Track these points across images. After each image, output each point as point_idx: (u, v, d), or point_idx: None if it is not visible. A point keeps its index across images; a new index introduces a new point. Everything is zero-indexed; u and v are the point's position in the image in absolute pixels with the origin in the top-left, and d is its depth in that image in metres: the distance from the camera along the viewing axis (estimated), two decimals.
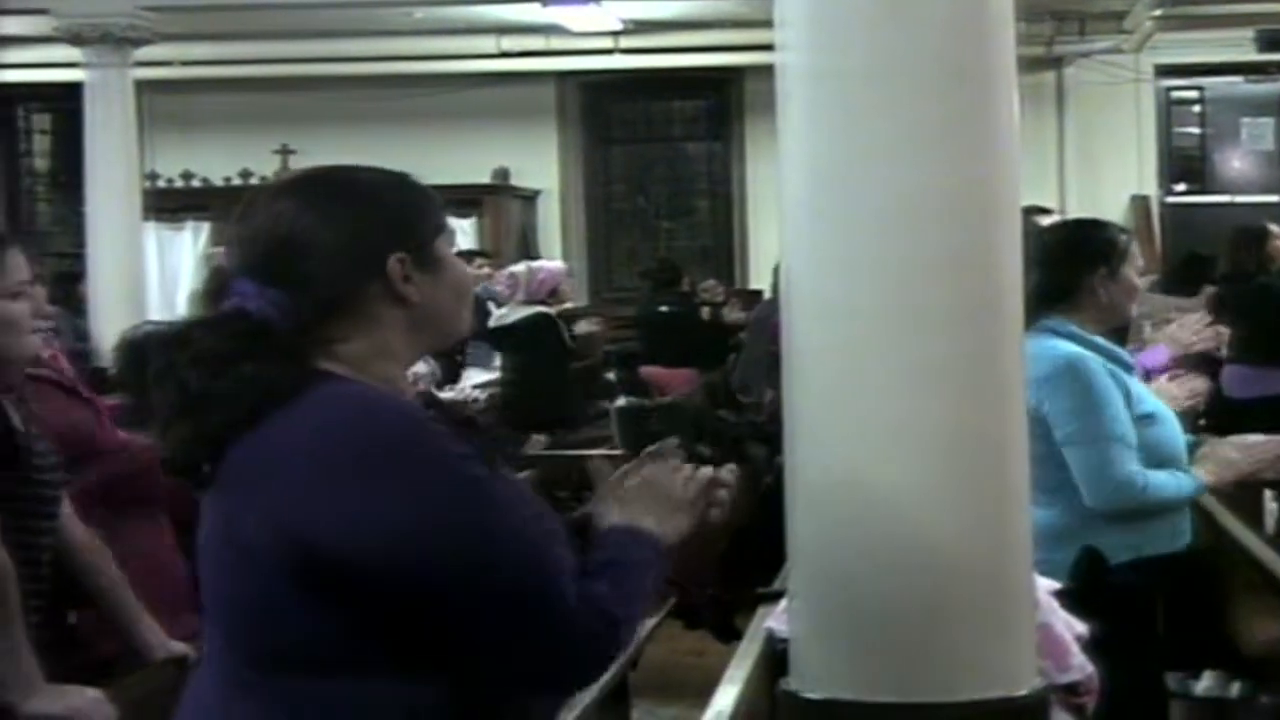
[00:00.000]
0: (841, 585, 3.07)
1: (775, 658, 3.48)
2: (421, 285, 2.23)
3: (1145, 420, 4.36)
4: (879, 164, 3.08)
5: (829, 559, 3.10)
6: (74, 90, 14.15)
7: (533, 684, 2.15)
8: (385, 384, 2.20)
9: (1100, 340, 4.42)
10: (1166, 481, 4.33)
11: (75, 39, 13.39)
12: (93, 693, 3.26)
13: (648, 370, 12.77)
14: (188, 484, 2.20)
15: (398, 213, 2.26)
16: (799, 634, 3.19)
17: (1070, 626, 3.55)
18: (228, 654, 2.17)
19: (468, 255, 12.28)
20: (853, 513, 3.06)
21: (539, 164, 17.35)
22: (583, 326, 9.93)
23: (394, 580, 2.05)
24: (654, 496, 2.36)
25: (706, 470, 2.43)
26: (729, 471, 2.48)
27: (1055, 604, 3.55)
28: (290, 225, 2.21)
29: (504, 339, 9.59)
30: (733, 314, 13.67)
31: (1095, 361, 4.34)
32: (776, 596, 3.84)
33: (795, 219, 3.21)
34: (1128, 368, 4.48)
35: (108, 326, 12.95)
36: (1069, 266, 4.44)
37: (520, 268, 9.75)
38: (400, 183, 2.31)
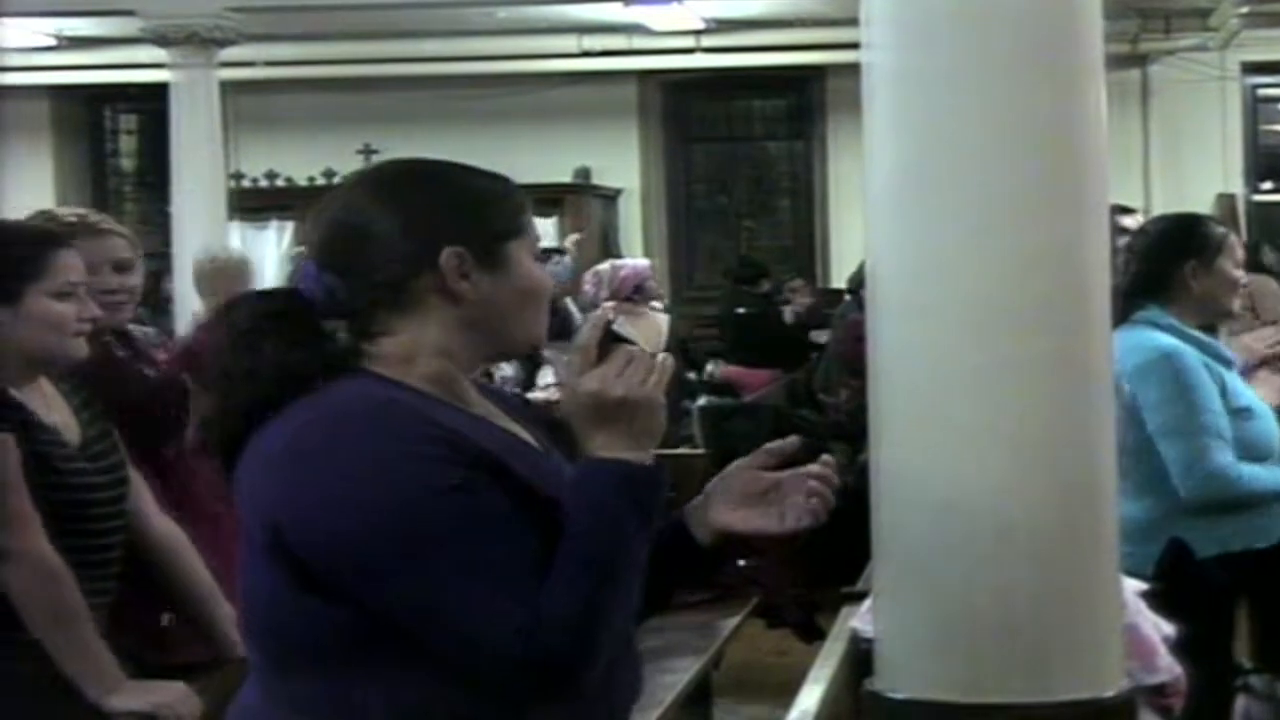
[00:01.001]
0: (927, 584, 3.06)
1: (860, 657, 3.48)
2: (480, 283, 2.19)
3: (1241, 414, 4.35)
4: (965, 162, 3.07)
5: (914, 558, 3.08)
6: (160, 91, 14.25)
7: (496, 690, 2.06)
8: (433, 383, 2.18)
9: (1198, 334, 4.42)
10: (1260, 474, 4.31)
11: (161, 40, 13.49)
12: (179, 686, 3.27)
13: (728, 370, 12.76)
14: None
15: (462, 207, 2.22)
16: (884, 634, 3.17)
17: (1158, 627, 3.53)
18: (253, 651, 2.21)
19: (546, 254, 12.29)
20: (938, 511, 3.05)
21: (620, 163, 17.36)
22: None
23: (340, 575, 2.05)
24: (611, 406, 2.13)
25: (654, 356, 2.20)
26: (825, 463, 2.34)
27: (1142, 605, 3.52)
28: (351, 211, 2.22)
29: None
30: (814, 319, 13.63)
31: (1191, 354, 4.33)
32: (860, 596, 3.83)
33: (880, 218, 3.20)
34: (1226, 362, 4.47)
35: (193, 325, 13.07)
36: (1160, 258, 4.47)
37: (604, 266, 9.74)
38: (477, 179, 2.28)
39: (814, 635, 6.12)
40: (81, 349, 3.43)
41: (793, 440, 2.38)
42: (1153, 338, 4.33)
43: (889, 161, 3.17)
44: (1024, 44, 3.08)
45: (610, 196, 17.41)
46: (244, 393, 2.14)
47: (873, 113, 3.20)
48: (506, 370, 8.50)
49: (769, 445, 2.36)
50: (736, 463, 2.37)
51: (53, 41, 16.24)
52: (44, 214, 3.80)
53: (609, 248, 16.29)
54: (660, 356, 2.18)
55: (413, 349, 2.18)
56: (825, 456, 2.36)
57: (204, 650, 3.71)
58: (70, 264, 3.40)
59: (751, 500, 2.33)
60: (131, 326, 4.12)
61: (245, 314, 2.18)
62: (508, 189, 2.29)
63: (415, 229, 2.18)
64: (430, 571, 2.01)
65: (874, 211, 3.21)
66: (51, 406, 3.35)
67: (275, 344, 2.14)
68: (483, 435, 2.16)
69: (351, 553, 2.03)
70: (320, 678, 2.09)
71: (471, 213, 2.22)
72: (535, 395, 8.79)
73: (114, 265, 3.86)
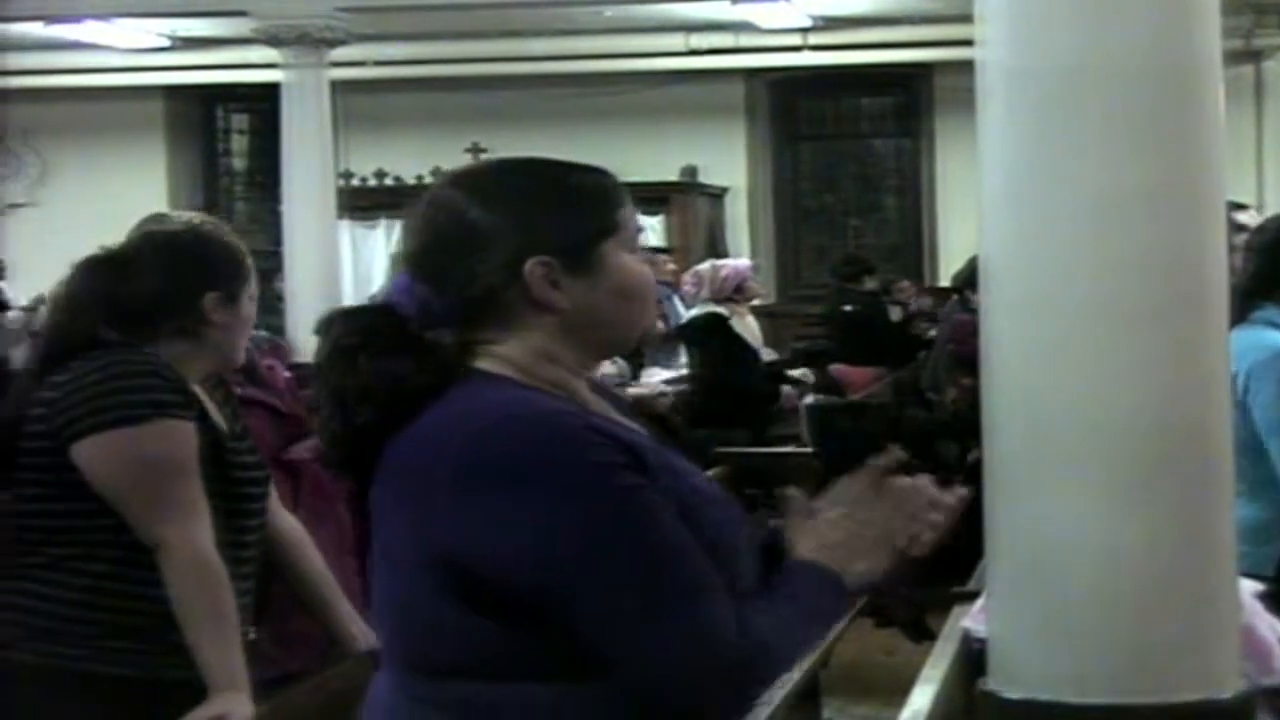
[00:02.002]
0: (1041, 584, 3.04)
1: (972, 657, 3.45)
2: (572, 290, 2.14)
3: None
4: (1081, 160, 3.04)
5: (1029, 557, 3.07)
6: (271, 91, 14.40)
7: (672, 699, 2.03)
8: (553, 387, 2.15)
9: None
10: None
11: (273, 40, 13.61)
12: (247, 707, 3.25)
13: (835, 368, 12.72)
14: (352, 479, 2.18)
15: (549, 213, 2.16)
16: (997, 633, 3.16)
17: (1274, 629, 3.49)
18: (394, 658, 2.17)
19: (652, 252, 12.30)
20: (1053, 511, 3.03)
21: (727, 161, 17.36)
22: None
23: (529, 592, 2.01)
24: (850, 533, 2.18)
25: (917, 492, 2.23)
26: (952, 495, 2.29)
27: (1259, 606, 3.49)
28: (438, 222, 2.18)
29: (685, 337, 9.61)
30: (920, 323, 13.56)
31: None
32: (971, 595, 3.81)
33: (994, 216, 3.19)
34: None
35: (303, 324, 13.18)
36: (1274, 257, 4.40)
37: (704, 266, 9.75)
38: (569, 179, 2.22)
39: (923, 635, 6.09)
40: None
41: (896, 454, 2.33)
42: (1271, 337, 4.27)
43: (1003, 160, 3.15)
44: (1141, 40, 3.05)
45: (717, 195, 17.41)
46: (360, 411, 2.11)
47: (986, 110, 3.18)
48: (608, 368, 8.51)
49: (875, 462, 2.32)
50: (846, 479, 2.33)
51: (166, 42, 16.44)
52: (156, 218, 3.85)
53: (715, 246, 16.29)
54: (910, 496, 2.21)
55: (523, 356, 2.14)
56: (960, 491, 2.32)
57: (294, 663, 3.74)
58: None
59: None
60: None
61: (339, 331, 2.16)
62: (600, 185, 2.23)
63: (500, 241, 2.13)
64: (623, 577, 2.00)
65: (988, 210, 3.19)
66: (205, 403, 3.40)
67: (370, 359, 2.11)
68: (623, 432, 2.14)
69: (546, 571, 2.00)
70: (470, 684, 2.06)
71: (559, 219, 2.16)
72: (638, 390, 8.81)
73: None
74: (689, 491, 2.12)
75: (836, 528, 2.18)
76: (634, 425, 2.26)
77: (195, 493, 3.21)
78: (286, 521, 3.67)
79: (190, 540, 3.17)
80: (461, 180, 2.24)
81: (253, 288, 3.44)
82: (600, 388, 2.33)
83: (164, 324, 3.29)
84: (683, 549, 2.02)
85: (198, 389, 3.37)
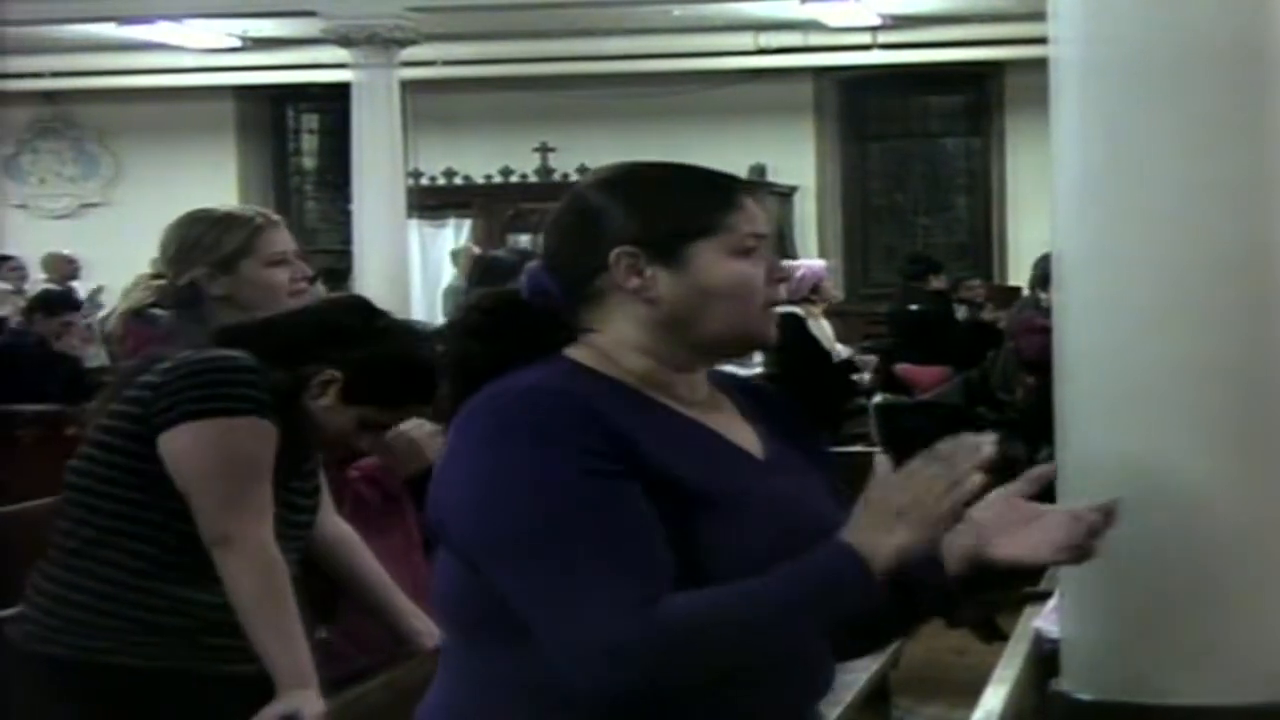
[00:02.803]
0: (1115, 584, 3.02)
1: (1044, 658, 3.44)
2: (657, 281, 2.20)
3: None
4: (1156, 157, 3.03)
5: (1103, 558, 3.05)
6: (341, 91, 14.47)
7: (571, 679, 2.04)
8: (638, 379, 2.20)
9: None
10: None
11: (343, 40, 13.68)
12: (317, 703, 3.26)
13: (902, 367, 12.68)
14: None
15: (642, 206, 2.22)
16: (1070, 634, 3.15)
17: None
18: (440, 625, 2.30)
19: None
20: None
21: (796, 160, 17.33)
22: None
23: (474, 554, 2.10)
24: (885, 506, 2.10)
25: (956, 455, 2.12)
26: (1104, 509, 2.27)
27: None
28: (564, 208, 2.28)
29: None
30: (995, 315, 13.48)
31: None
32: (1043, 596, 3.80)
33: (1068, 215, 3.18)
34: None
35: None
36: None
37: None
38: (682, 177, 2.28)
39: (994, 635, 6.06)
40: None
41: (1051, 468, 2.33)
42: None
43: (1077, 158, 3.14)
44: (1216, 36, 3.04)
45: (785, 194, 17.38)
46: (455, 384, 2.23)
47: (1060, 108, 3.17)
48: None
49: (1033, 472, 2.31)
50: (997, 491, 2.28)
51: (238, 43, 16.54)
52: (196, 215, 3.89)
53: (784, 246, 16.27)
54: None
55: (616, 345, 2.21)
56: (1111, 505, 2.29)
57: (366, 661, 3.75)
58: (283, 237, 3.73)
59: (1014, 528, 2.29)
60: None
61: (452, 307, 2.29)
62: (713, 187, 2.27)
63: (594, 228, 2.22)
64: (547, 553, 2.04)
65: (1061, 208, 3.18)
66: None
67: (455, 337, 2.26)
68: (664, 437, 2.15)
69: (476, 531, 2.09)
70: (497, 648, 2.12)
71: (655, 212, 2.22)
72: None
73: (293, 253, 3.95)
74: (708, 481, 2.13)
75: (875, 495, 2.12)
76: (739, 434, 2.26)
77: (267, 494, 3.23)
78: (338, 526, 3.68)
79: (258, 537, 3.19)
80: (595, 172, 2.34)
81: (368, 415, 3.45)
82: (730, 386, 2.35)
83: (274, 352, 3.33)
84: (607, 536, 2.03)
85: None
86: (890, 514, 2.08)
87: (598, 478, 2.05)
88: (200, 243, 3.74)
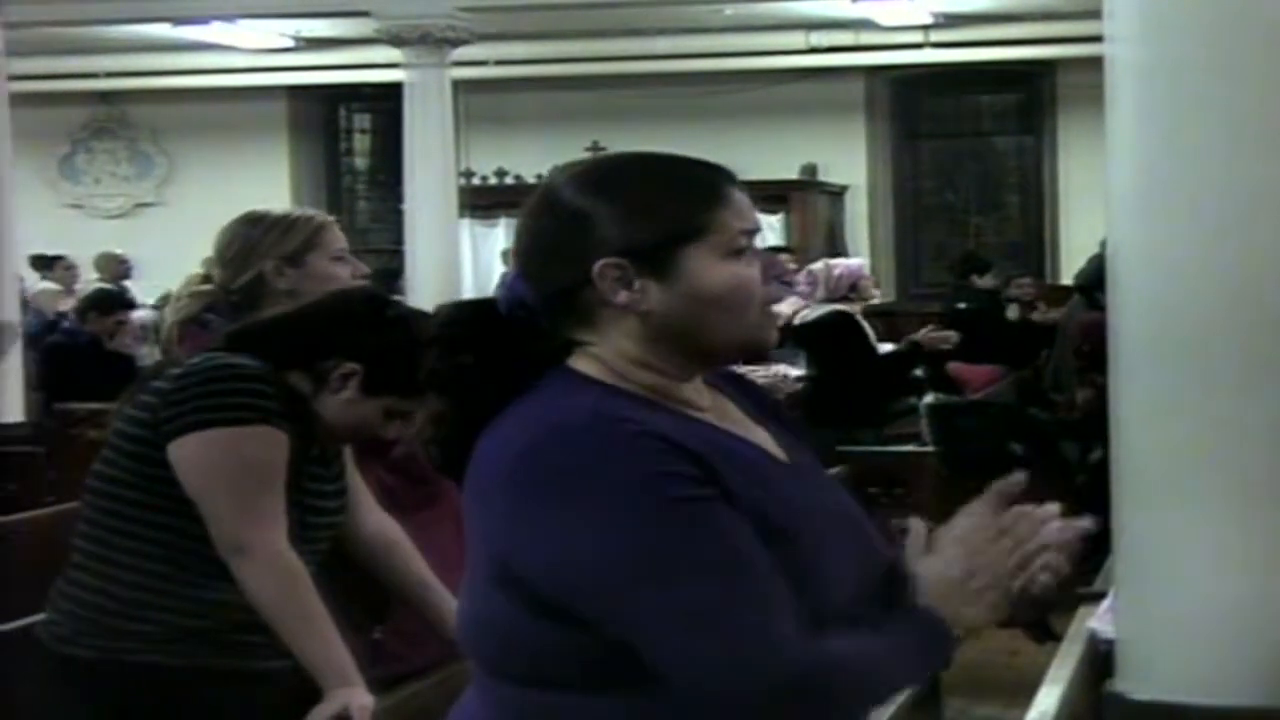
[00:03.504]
0: (1172, 584, 3.01)
1: (1098, 658, 3.43)
2: (648, 293, 2.05)
3: None
4: (1214, 159, 3.01)
5: (1158, 557, 3.04)
6: (394, 90, 14.50)
7: (715, 716, 1.94)
8: (650, 392, 2.07)
9: None
10: None
11: (396, 40, 13.70)
12: (366, 698, 3.26)
13: (953, 366, 12.65)
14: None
15: (622, 215, 2.06)
16: (1126, 634, 3.14)
17: None
18: (476, 665, 2.13)
19: (773, 251, 12.25)
20: (1183, 509, 3.00)
21: (847, 159, 17.30)
22: None
23: (581, 603, 1.95)
24: (964, 576, 2.06)
25: (1037, 527, 2.09)
26: (1067, 528, 2.12)
27: None
28: (533, 217, 2.13)
29: (803, 337, 9.56)
30: (1046, 315, 13.44)
31: None
32: (1097, 596, 3.78)
33: (1122, 214, 3.16)
34: None
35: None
36: None
37: (818, 265, 9.69)
38: (651, 179, 2.13)
39: (1047, 636, 6.04)
40: None
41: (1019, 479, 2.19)
42: None
43: (1132, 157, 3.13)
44: (1274, 36, 3.02)
45: (836, 193, 17.36)
46: (440, 403, 2.12)
47: (1115, 107, 3.16)
48: None
49: (997, 486, 2.18)
50: (965, 509, 2.19)
51: (291, 43, 16.61)
52: (250, 216, 3.92)
53: (835, 245, 16.25)
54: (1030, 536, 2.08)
55: (613, 359, 2.08)
56: (1085, 522, 2.16)
57: (420, 660, 3.74)
58: (340, 235, 3.86)
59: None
60: None
61: (435, 322, 2.15)
62: (695, 185, 2.12)
63: (575, 240, 2.06)
64: (676, 586, 1.92)
65: (1116, 208, 3.17)
66: None
67: (444, 351, 2.11)
68: (719, 456, 2.02)
69: (588, 580, 1.94)
70: (552, 692, 2.02)
71: (635, 220, 2.06)
72: (763, 376, 8.77)
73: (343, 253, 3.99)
74: (781, 513, 2.03)
75: (952, 568, 2.07)
76: (757, 435, 2.17)
77: (280, 502, 3.22)
78: (383, 525, 3.67)
79: (271, 544, 3.18)
80: (561, 176, 2.15)
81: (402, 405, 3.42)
82: (730, 387, 2.25)
83: (287, 353, 3.33)
84: (737, 563, 1.94)
85: None
86: (966, 590, 2.06)
87: (703, 502, 1.94)
88: (264, 240, 3.78)
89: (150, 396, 3.25)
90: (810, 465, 2.21)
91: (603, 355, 2.08)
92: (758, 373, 8.62)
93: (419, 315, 3.47)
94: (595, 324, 2.08)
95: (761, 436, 2.17)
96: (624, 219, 2.06)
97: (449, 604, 3.63)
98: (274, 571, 3.18)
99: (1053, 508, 2.11)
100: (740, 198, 2.12)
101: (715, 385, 2.20)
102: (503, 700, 2.07)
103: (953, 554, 2.08)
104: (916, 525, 2.10)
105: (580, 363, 2.08)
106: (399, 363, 3.31)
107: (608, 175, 2.13)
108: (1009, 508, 2.13)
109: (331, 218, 3.95)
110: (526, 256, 2.12)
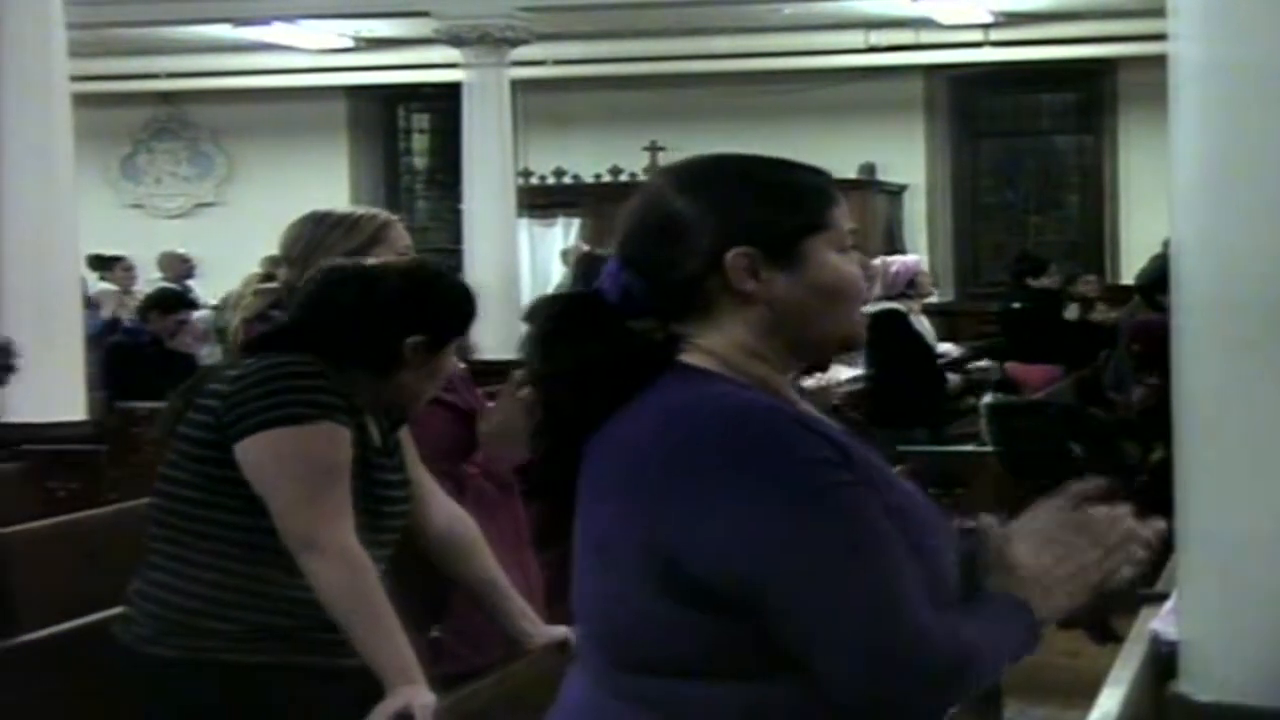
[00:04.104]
0: (1236, 584, 2.99)
1: (1161, 660, 3.41)
2: (773, 283, 2.10)
3: None
4: (1278, 157, 2.99)
5: (1222, 557, 3.02)
6: (452, 90, 14.55)
7: (874, 702, 1.97)
8: (760, 384, 2.11)
9: None
10: None
11: (455, 40, 13.75)
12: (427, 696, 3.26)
13: (1010, 366, 12.60)
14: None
15: (755, 204, 2.13)
16: (1189, 636, 3.11)
17: None
18: (597, 654, 2.14)
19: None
20: (1250, 508, 2.98)
21: (906, 158, 17.25)
22: None
23: (734, 586, 1.97)
24: (1048, 568, 2.09)
25: (1118, 526, 2.12)
26: (1151, 528, 2.16)
27: None
28: (650, 207, 2.17)
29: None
30: (1107, 315, 13.37)
31: None
32: (1159, 597, 3.76)
33: (1186, 213, 3.14)
34: None
35: (481, 321, 13.28)
36: None
37: (875, 262, 9.68)
38: (782, 173, 2.19)
39: (1107, 637, 6.01)
40: None
41: (1096, 483, 2.22)
42: None
43: (1197, 155, 3.11)
44: None
45: (895, 192, 17.32)
46: (560, 399, 2.13)
47: (1179, 106, 3.14)
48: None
49: (1075, 487, 2.22)
50: (1038, 506, 2.22)
51: (350, 43, 16.67)
52: (316, 215, 3.94)
53: (893, 244, 16.20)
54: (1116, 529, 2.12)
55: (728, 351, 2.12)
56: (1159, 524, 2.21)
57: (478, 659, 3.75)
58: (404, 233, 3.93)
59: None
60: None
61: (541, 317, 2.16)
62: (812, 182, 2.19)
63: (704, 228, 2.11)
64: (834, 576, 1.95)
65: (1180, 207, 3.15)
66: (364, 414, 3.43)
67: (568, 345, 2.12)
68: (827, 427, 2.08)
69: (751, 565, 1.96)
70: (681, 680, 2.03)
71: (764, 210, 2.13)
72: (811, 383, 8.76)
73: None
74: (898, 499, 2.06)
75: (1034, 559, 2.10)
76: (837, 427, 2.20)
77: (346, 498, 3.24)
78: (454, 522, 3.67)
79: (340, 539, 3.20)
80: (673, 170, 2.22)
81: (463, 342, 3.49)
82: (800, 389, 2.30)
83: (361, 351, 3.34)
84: (890, 549, 1.97)
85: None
86: (1053, 577, 2.08)
87: (853, 489, 1.98)
88: (328, 238, 3.79)
89: (210, 400, 3.27)
90: (883, 462, 2.22)
91: (714, 348, 2.11)
92: (806, 381, 8.59)
93: (436, 266, 3.61)
94: (712, 314, 2.12)
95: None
96: (753, 210, 2.12)
97: (517, 604, 3.64)
98: (342, 566, 3.19)
99: (1126, 508, 2.14)
100: (843, 199, 2.20)
101: None
102: (619, 688, 2.09)
103: (1037, 544, 2.10)
104: (986, 520, 2.11)
105: (693, 358, 2.11)
106: (454, 315, 3.44)
107: (723, 172, 2.19)
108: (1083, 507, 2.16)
109: (395, 217, 3.98)
110: (642, 250, 2.15)
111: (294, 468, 3.20)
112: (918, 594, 1.97)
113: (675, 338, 2.13)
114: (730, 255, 2.09)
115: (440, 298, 3.44)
